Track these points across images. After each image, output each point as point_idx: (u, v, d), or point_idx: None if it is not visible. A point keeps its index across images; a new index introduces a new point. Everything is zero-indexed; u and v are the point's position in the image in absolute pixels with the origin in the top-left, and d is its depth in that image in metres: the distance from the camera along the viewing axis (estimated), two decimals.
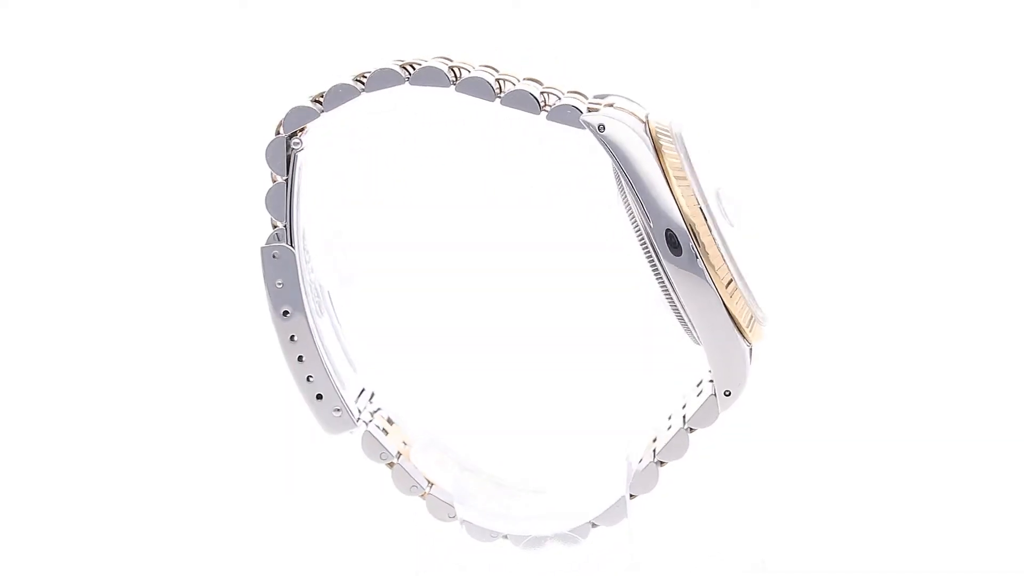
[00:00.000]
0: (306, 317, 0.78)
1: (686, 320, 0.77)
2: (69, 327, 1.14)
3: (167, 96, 1.18)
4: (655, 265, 0.76)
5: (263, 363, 0.94)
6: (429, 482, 0.83)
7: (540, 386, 0.94)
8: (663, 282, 0.76)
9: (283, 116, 0.76)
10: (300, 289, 0.78)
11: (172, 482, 0.97)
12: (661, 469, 0.82)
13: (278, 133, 0.76)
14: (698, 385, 0.84)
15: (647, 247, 0.76)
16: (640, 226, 0.75)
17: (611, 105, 0.77)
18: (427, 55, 0.78)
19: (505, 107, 0.76)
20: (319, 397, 0.80)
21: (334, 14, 1.15)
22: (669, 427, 0.84)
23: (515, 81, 0.76)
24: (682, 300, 0.76)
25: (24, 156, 1.21)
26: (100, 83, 1.20)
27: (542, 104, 0.75)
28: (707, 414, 0.81)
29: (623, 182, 0.75)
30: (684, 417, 0.82)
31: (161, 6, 1.20)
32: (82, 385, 1.08)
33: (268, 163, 0.76)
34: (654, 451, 0.83)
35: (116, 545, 0.91)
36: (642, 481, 0.82)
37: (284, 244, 0.77)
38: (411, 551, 0.87)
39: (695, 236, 0.75)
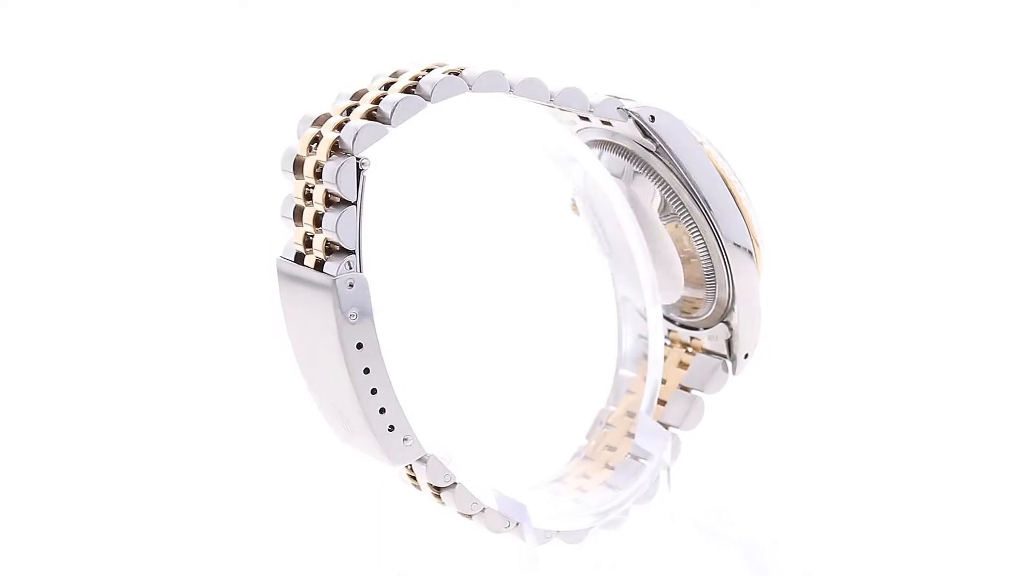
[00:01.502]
0: (379, 347, 0.74)
1: (727, 293, 0.82)
2: (71, 330, 1.16)
3: (161, 97, 1.19)
4: (702, 241, 0.80)
5: (262, 365, 1.03)
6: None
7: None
8: (708, 258, 0.81)
9: (352, 136, 0.71)
10: (373, 319, 0.73)
11: (174, 483, 0.97)
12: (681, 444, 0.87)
13: (341, 152, 0.71)
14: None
15: (695, 226, 0.80)
16: (690, 207, 0.80)
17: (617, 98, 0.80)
18: (421, 60, 0.77)
19: (554, 107, 0.76)
20: (391, 429, 0.75)
21: (332, 15, 1.05)
22: (665, 402, 0.88)
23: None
24: (732, 273, 0.81)
25: (27, 159, 1.22)
26: (95, 86, 1.21)
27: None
28: (717, 381, 0.86)
29: (675, 167, 0.79)
30: (684, 386, 0.87)
31: (159, 9, 1.17)
32: (85, 389, 1.10)
33: (339, 187, 0.71)
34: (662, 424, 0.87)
35: (117, 546, 0.90)
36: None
37: (357, 272, 0.72)
38: (403, 551, 0.86)
39: (741, 211, 0.80)
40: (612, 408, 0.90)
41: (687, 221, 0.81)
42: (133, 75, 1.23)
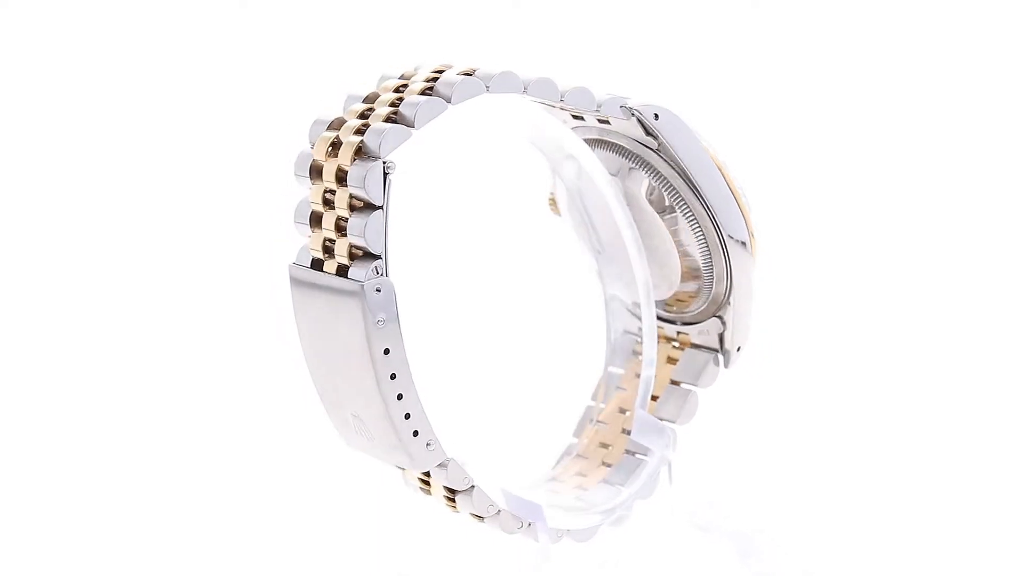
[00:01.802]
0: (405, 352, 0.73)
1: (724, 287, 0.83)
2: (68, 335, 1.18)
3: (151, 101, 1.20)
4: (702, 236, 0.82)
5: (263, 368, 1.06)
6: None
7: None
8: (707, 253, 0.82)
9: (378, 140, 0.70)
10: (399, 324, 0.72)
11: (176, 484, 0.97)
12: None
13: (365, 156, 0.70)
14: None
15: (695, 221, 0.82)
16: (691, 202, 0.81)
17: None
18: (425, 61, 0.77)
19: (555, 106, 0.77)
20: (415, 434, 0.75)
21: (320, 16, 1.03)
22: (656, 397, 0.89)
23: None
24: (731, 264, 0.82)
25: (30, 161, 1.24)
26: (90, 88, 1.23)
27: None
28: (710, 375, 0.88)
29: (676, 164, 0.80)
30: (674, 381, 0.88)
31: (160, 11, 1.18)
32: (83, 393, 1.11)
33: (367, 191, 0.70)
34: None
35: (119, 547, 0.90)
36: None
37: (384, 277, 0.71)
38: (404, 554, 0.87)
39: (739, 206, 0.82)
40: (602, 405, 0.91)
41: (688, 216, 0.82)
42: (124, 76, 1.22)
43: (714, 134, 0.82)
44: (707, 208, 0.81)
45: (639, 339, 0.90)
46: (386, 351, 0.72)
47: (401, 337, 0.72)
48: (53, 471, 1.00)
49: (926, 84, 1.32)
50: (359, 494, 0.92)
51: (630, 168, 0.83)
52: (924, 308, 1.21)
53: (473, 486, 0.78)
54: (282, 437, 1.02)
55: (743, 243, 0.82)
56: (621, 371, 0.91)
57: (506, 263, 1.03)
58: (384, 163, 0.70)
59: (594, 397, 0.92)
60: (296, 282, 0.75)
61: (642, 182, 0.83)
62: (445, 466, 0.77)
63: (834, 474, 0.96)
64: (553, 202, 0.90)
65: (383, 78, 0.76)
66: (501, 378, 1.00)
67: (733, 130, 0.98)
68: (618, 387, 0.91)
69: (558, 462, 0.90)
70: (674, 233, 0.83)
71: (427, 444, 0.75)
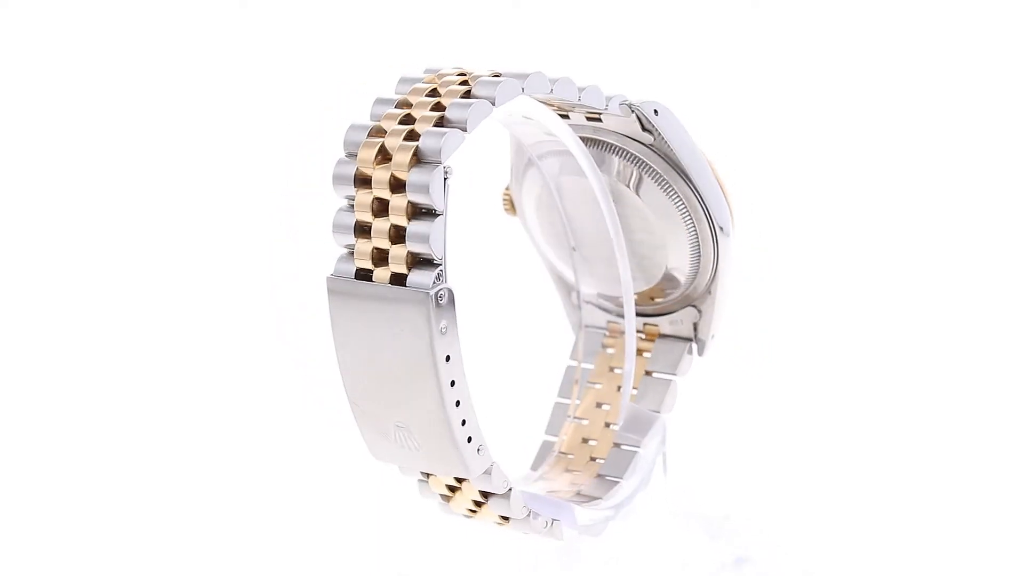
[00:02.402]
0: (462, 358, 0.72)
1: (708, 277, 0.86)
2: (71, 334, 1.18)
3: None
4: (693, 229, 0.84)
5: (267, 371, 1.07)
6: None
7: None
8: (696, 244, 0.85)
9: (438, 145, 0.69)
10: (457, 331, 0.72)
11: (177, 483, 0.98)
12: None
13: (422, 162, 0.69)
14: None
15: (689, 218, 0.84)
16: (685, 197, 0.83)
17: None
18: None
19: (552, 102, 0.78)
20: (469, 440, 0.74)
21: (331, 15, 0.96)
22: (635, 390, 0.90)
23: None
24: (719, 260, 0.85)
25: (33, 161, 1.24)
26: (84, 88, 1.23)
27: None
28: (685, 364, 0.90)
29: (672, 157, 0.82)
30: (648, 372, 0.90)
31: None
32: (86, 397, 1.12)
33: (432, 198, 0.69)
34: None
35: (121, 548, 0.91)
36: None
37: (446, 284, 0.70)
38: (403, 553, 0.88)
39: (725, 197, 0.85)
40: (577, 402, 0.92)
41: (681, 210, 0.84)
42: (119, 76, 1.21)
43: (701, 127, 0.85)
44: (701, 201, 0.83)
45: (606, 332, 0.92)
46: (447, 358, 0.71)
47: (459, 343, 0.72)
48: (56, 476, 1.01)
49: (923, 83, 1.34)
50: (362, 500, 0.93)
51: (622, 163, 0.84)
52: (903, 297, 1.23)
53: (511, 488, 0.78)
54: (284, 444, 1.01)
55: (722, 228, 0.85)
56: (591, 367, 0.92)
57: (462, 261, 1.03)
58: (444, 168, 0.70)
59: (565, 394, 0.92)
60: (339, 294, 0.72)
61: (613, 167, 0.84)
62: (490, 472, 0.76)
63: (809, 459, 1.00)
64: (509, 201, 0.90)
65: (404, 81, 0.75)
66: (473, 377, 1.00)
67: (725, 126, 1.01)
68: (590, 382, 0.92)
69: (541, 461, 0.91)
70: (663, 226, 0.85)
71: (478, 449, 0.75)
